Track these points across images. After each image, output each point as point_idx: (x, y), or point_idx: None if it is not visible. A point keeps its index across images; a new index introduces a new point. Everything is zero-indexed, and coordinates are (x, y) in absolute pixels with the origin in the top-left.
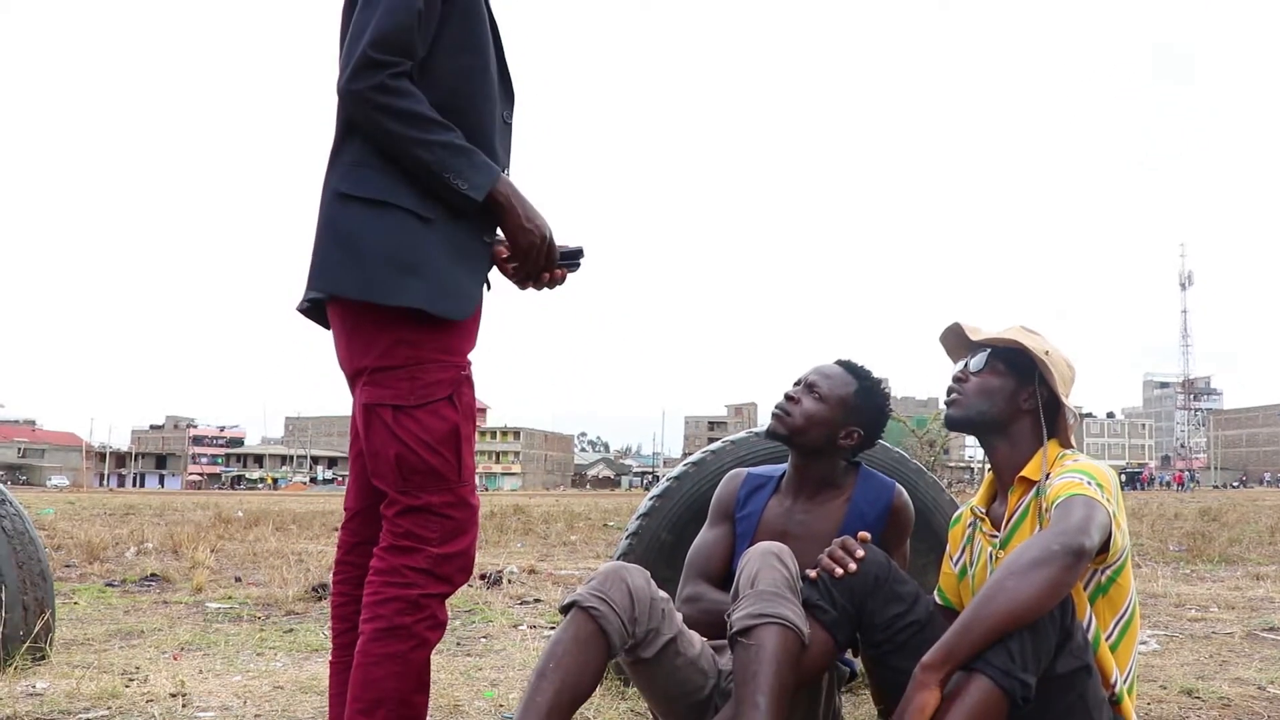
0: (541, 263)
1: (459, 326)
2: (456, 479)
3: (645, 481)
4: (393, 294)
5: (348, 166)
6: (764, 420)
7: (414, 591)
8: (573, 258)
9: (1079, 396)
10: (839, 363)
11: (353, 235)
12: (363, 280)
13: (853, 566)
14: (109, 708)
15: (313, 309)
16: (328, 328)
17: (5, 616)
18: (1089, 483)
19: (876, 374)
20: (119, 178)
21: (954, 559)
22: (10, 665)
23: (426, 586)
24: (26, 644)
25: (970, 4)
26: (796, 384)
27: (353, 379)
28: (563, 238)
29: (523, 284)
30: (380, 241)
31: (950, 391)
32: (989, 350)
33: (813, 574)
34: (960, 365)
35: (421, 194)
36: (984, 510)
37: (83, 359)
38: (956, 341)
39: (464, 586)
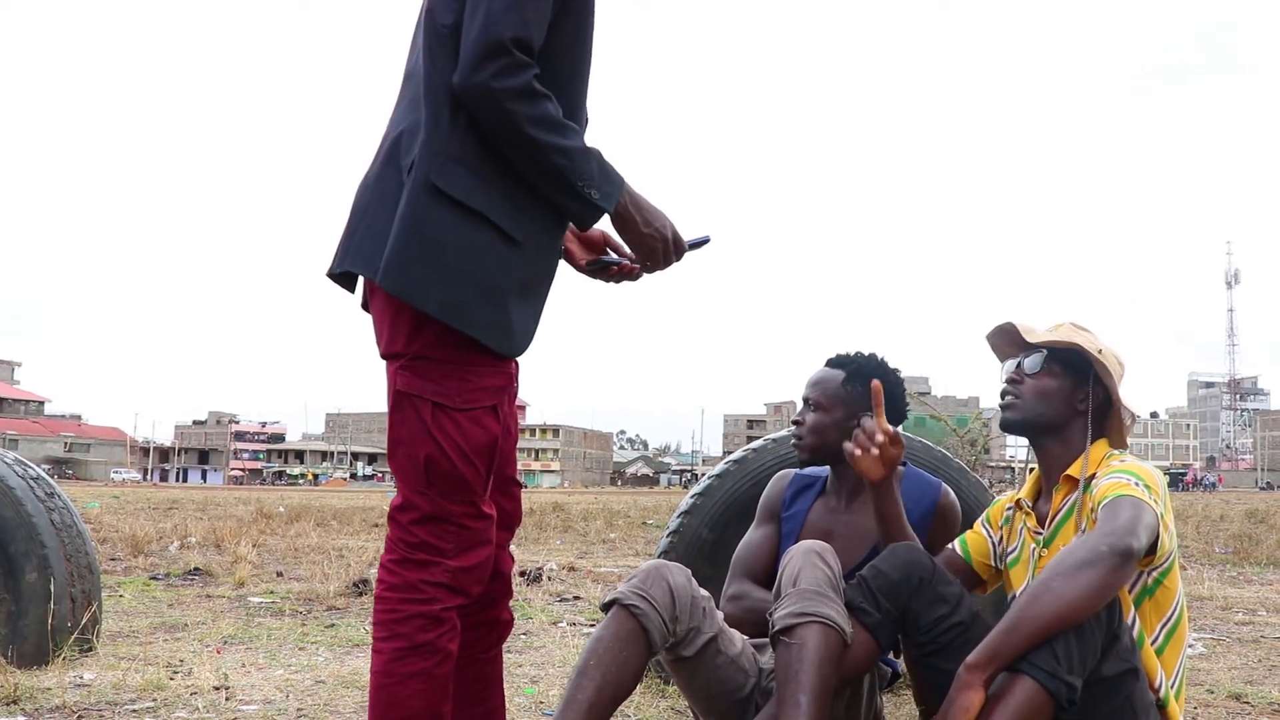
0: (667, 261)
1: None
2: (482, 491)
3: (684, 480)
4: (468, 323)
5: (443, 159)
6: None
7: (435, 607)
8: (699, 245)
9: (1123, 395)
10: (825, 365)
11: (441, 244)
12: (443, 300)
13: (880, 439)
14: (154, 699)
15: (344, 275)
16: (352, 291)
17: (53, 608)
18: (1136, 483)
19: (862, 351)
20: (165, 176)
21: (985, 525)
22: (58, 656)
23: (447, 600)
24: (74, 635)
25: None
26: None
27: (390, 359)
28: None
29: (643, 273)
30: (468, 260)
31: (1004, 394)
32: (1045, 351)
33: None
34: (1013, 365)
35: (514, 209)
36: (1030, 504)
37: (127, 355)
38: (1007, 340)
39: None
